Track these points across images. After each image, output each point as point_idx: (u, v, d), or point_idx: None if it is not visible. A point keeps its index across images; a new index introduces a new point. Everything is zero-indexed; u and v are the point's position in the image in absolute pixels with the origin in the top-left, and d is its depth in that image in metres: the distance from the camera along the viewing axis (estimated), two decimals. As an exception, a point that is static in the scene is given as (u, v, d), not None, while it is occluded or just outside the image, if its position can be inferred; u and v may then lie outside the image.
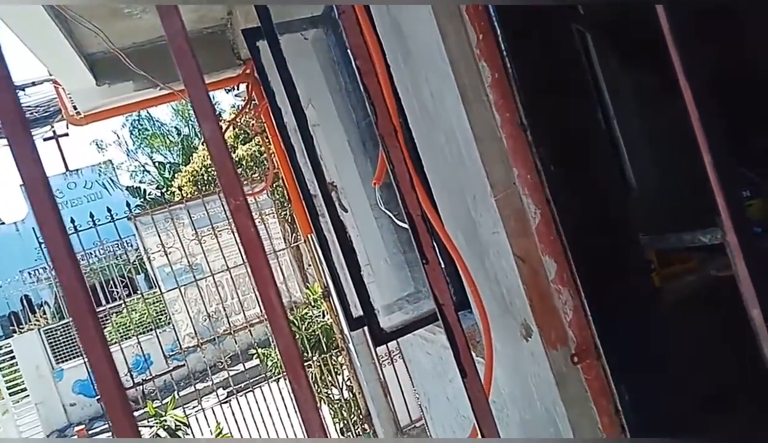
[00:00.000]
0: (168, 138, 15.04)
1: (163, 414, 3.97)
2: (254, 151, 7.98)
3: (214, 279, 4.33)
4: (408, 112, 1.70)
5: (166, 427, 4.01)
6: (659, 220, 2.28)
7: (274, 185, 5.32)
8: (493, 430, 0.76)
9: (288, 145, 2.23)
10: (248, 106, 4.15)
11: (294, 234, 7.19)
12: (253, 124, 4.22)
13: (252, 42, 2.04)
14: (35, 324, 12.31)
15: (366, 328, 1.98)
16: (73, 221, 3.88)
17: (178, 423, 4.14)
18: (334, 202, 1.88)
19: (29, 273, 15.93)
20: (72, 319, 0.37)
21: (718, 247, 1.67)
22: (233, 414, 4.77)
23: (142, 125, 15.97)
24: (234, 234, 4.58)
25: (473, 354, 1.79)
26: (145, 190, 13.83)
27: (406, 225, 1.90)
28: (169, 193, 11.01)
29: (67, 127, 3.94)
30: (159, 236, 3.97)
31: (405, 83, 1.63)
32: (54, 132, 13.74)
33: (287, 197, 5.17)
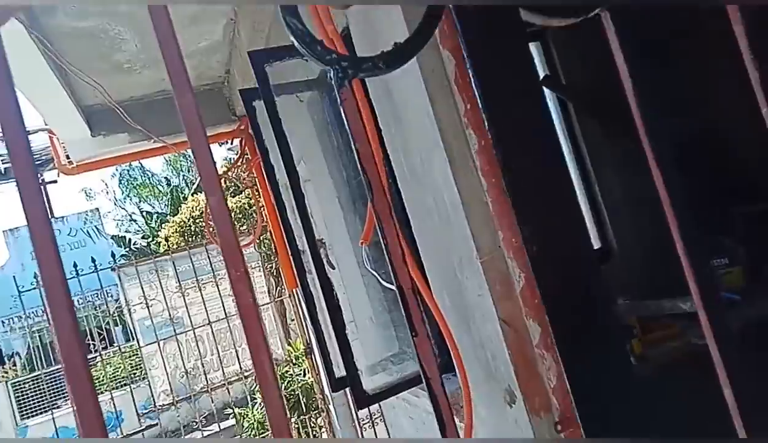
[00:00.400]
0: (157, 188, 15.07)
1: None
2: (243, 203, 8.02)
3: (194, 333, 4.24)
4: (398, 174, 1.75)
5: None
6: (640, 286, 2.32)
7: (261, 238, 5.32)
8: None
9: (279, 200, 2.26)
10: (241, 160, 4.21)
11: (278, 288, 7.12)
12: (244, 178, 4.27)
13: (249, 101, 2.11)
14: (3, 377, 11.80)
15: (348, 389, 1.95)
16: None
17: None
18: (322, 259, 1.89)
19: (2, 322, 15.45)
20: (64, 370, 0.38)
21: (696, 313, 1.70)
22: (206, 477, 4.54)
23: (131, 174, 16.03)
24: (218, 288, 4.54)
25: (456, 421, 1.76)
26: (130, 240, 13.70)
27: (392, 287, 1.91)
28: (155, 243, 10.92)
29: (58, 175, 3.95)
30: (142, 288, 3.91)
31: (395, 146, 1.68)
32: (42, 179, 13.70)
33: (274, 250, 5.17)
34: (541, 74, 2.55)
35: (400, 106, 1.61)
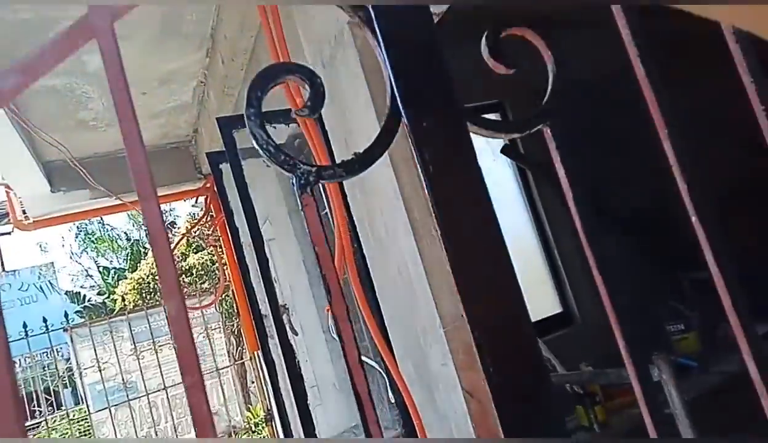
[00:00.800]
0: (116, 242, 14.65)
1: None
2: (205, 260, 7.86)
3: (148, 398, 4.03)
4: (362, 240, 1.76)
5: None
6: (602, 350, 2.34)
7: (224, 298, 5.20)
8: None
9: (242, 263, 2.23)
10: (205, 218, 4.16)
11: (239, 348, 6.90)
12: (208, 236, 4.21)
13: (215, 164, 2.12)
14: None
15: (310, 462, 1.88)
16: (25, 326, 3.60)
17: None
18: (285, 325, 1.86)
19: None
20: None
21: (656, 383, 1.72)
22: None
23: (89, 228, 15.57)
24: (175, 351, 4.33)
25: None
26: (84, 296, 13.14)
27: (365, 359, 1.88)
28: (110, 299, 10.51)
29: (12, 231, 3.82)
30: (95, 350, 3.73)
31: (361, 213, 1.71)
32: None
33: (236, 310, 5.04)
34: (502, 143, 2.66)
35: (366, 176, 1.64)
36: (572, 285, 2.78)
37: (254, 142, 0.42)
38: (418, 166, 0.43)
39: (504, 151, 2.74)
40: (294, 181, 0.42)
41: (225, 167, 2.10)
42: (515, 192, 2.88)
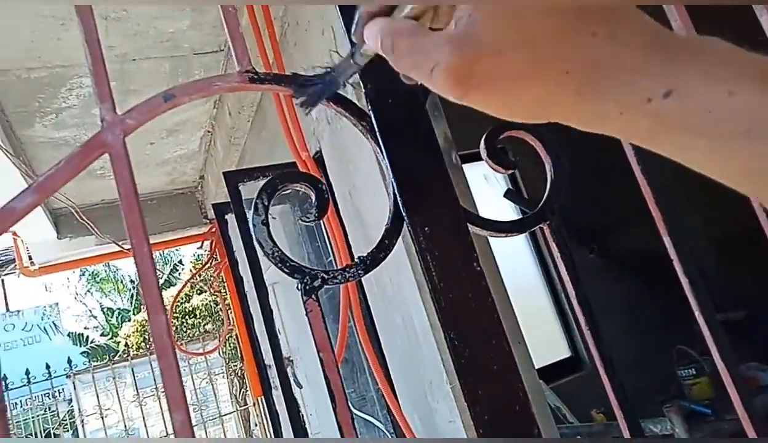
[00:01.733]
0: (120, 283, 14.66)
1: None
2: (209, 301, 7.83)
3: (151, 446, 3.96)
4: (368, 292, 1.76)
5: None
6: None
7: (228, 341, 5.16)
8: None
9: (247, 312, 2.23)
10: (210, 262, 4.17)
11: (242, 390, 6.79)
12: (212, 282, 4.21)
13: (221, 214, 2.14)
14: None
15: None
16: (5, 379, 3.58)
17: None
18: (290, 378, 1.84)
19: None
20: None
21: (670, 435, 1.68)
22: None
23: (94, 269, 15.60)
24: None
25: None
26: (88, 337, 13.07)
27: (360, 414, 1.85)
28: (114, 341, 10.44)
29: (18, 277, 3.84)
30: (98, 397, 3.69)
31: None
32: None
33: (239, 354, 5.00)
34: (504, 188, 2.68)
35: (369, 224, 1.66)
36: (580, 328, 2.75)
37: (260, 250, 0.43)
38: (422, 268, 0.44)
39: (507, 195, 2.76)
40: (300, 287, 0.43)
41: (230, 217, 2.12)
42: (521, 238, 2.88)
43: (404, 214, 0.43)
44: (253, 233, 0.43)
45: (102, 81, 0.44)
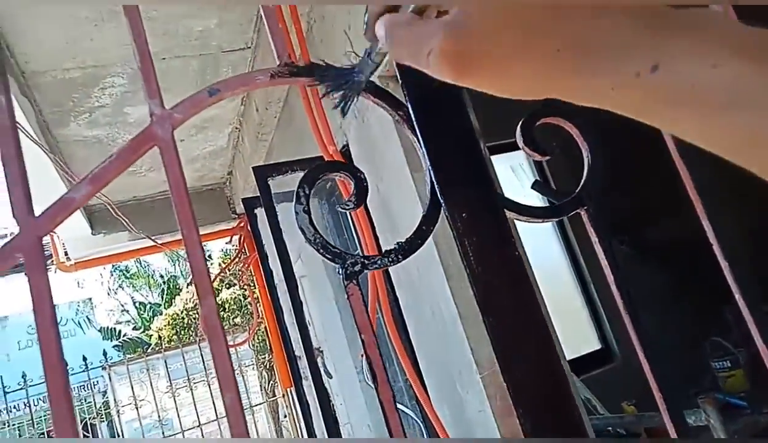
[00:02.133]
0: (151, 278, 14.99)
1: None
2: (238, 295, 7.95)
3: (183, 435, 4.07)
4: (396, 284, 1.78)
5: None
6: (646, 390, 2.28)
7: (257, 334, 5.25)
8: None
9: (276, 305, 2.26)
10: (239, 257, 4.24)
11: (272, 382, 6.90)
12: (241, 275, 4.28)
13: (250, 208, 2.17)
14: (-24, 478, 11.08)
15: (346, 507, 1.86)
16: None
17: None
18: (320, 368, 1.87)
19: (-20, 417, 14.75)
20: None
21: (704, 427, 1.66)
22: None
23: (125, 265, 15.98)
24: (210, 388, 4.41)
25: None
26: (120, 331, 13.42)
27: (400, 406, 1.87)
28: (146, 334, 10.70)
29: (55, 272, 3.96)
30: (132, 388, 3.80)
31: (393, 257, 1.72)
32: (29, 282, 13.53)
33: (269, 346, 5.08)
34: (532, 179, 2.66)
35: (396, 216, 1.67)
36: (611, 320, 2.71)
37: (303, 236, 0.45)
38: (459, 253, 0.45)
39: (535, 186, 2.75)
40: (340, 271, 0.44)
41: (259, 211, 2.16)
42: (549, 226, 2.86)
43: (441, 200, 0.44)
44: (296, 221, 0.44)
45: (150, 78, 0.46)
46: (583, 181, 0.49)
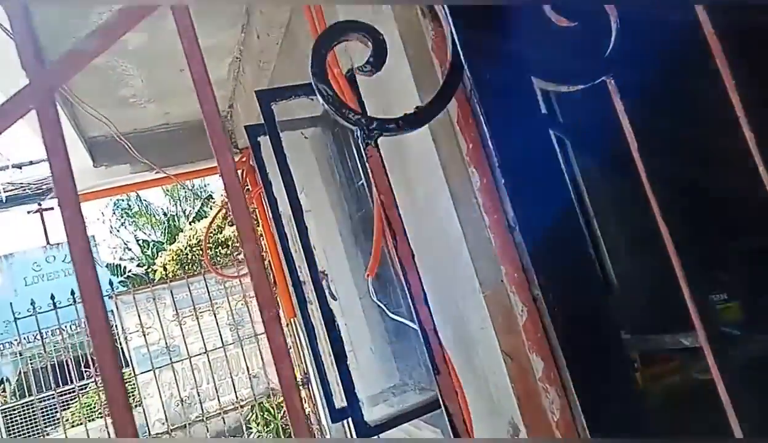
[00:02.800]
0: (153, 217, 15.08)
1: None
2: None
3: (190, 362, 4.22)
4: (401, 207, 1.79)
5: None
6: (641, 320, 2.35)
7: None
8: None
9: (281, 232, 2.29)
10: (242, 191, 4.25)
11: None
12: (244, 209, 4.30)
13: (254, 137, 2.16)
14: (-8, 404, 11.60)
15: (349, 420, 1.95)
16: (53, 298, 3.82)
17: None
18: (324, 290, 1.92)
19: (-8, 349, 15.23)
20: (95, 353, 0.42)
21: (701, 349, 1.72)
22: (199, 511, 4.47)
23: (127, 203, 16.04)
24: (215, 317, 4.53)
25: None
26: (125, 268, 13.64)
27: (398, 318, 1.93)
28: (151, 270, 10.87)
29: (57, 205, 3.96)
30: (139, 316, 3.90)
31: (398, 180, 1.73)
32: (39, 205, 13.68)
33: (272, 280, 5.17)
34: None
35: (404, 143, 1.66)
36: (610, 254, 2.75)
37: (320, 97, 0.45)
38: (482, 119, 0.45)
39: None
40: (358, 134, 0.44)
41: (263, 140, 2.14)
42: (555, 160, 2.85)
43: (463, 62, 0.44)
44: (312, 82, 0.45)
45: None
46: (611, 45, 0.48)
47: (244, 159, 3.82)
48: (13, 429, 11.15)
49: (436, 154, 1.45)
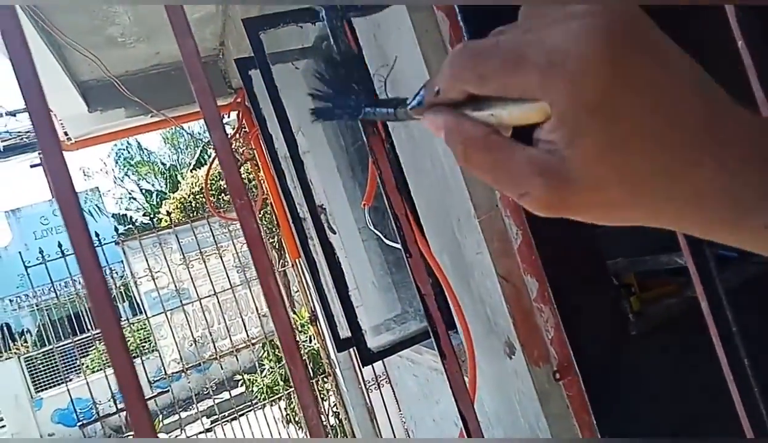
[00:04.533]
0: (155, 166, 15.05)
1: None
2: (243, 178, 8.01)
3: (201, 304, 4.32)
4: (395, 138, 1.77)
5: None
6: (638, 243, 2.36)
7: (263, 212, 5.36)
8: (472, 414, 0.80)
9: (278, 170, 2.29)
10: (238, 134, 4.21)
11: (282, 261, 7.20)
12: (243, 151, 4.28)
13: (245, 70, 2.11)
14: (15, 352, 12.04)
15: (354, 349, 2.01)
16: (60, 245, 3.87)
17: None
18: (323, 224, 1.93)
19: (10, 301, 15.64)
20: (98, 326, 0.42)
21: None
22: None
23: (129, 153, 15.98)
24: (221, 260, 4.60)
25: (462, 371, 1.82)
26: (131, 217, 13.76)
27: (394, 245, 1.95)
28: (156, 219, 10.97)
29: (57, 153, 3.95)
30: (146, 261, 3.96)
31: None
32: (41, 158, 13.63)
33: (276, 223, 5.21)
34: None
35: (396, 67, 1.62)
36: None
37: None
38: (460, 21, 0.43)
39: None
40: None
41: (255, 74, 2.10)
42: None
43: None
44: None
45: None
46: None
47: (239, 99, 3.75)
48: (36, 377, 11.64)
49: (427, 77, 1.42)
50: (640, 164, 0.27)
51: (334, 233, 2.20)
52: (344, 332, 2.12)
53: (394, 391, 3.03)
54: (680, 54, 0.28)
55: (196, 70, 0.45)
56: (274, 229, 6.74)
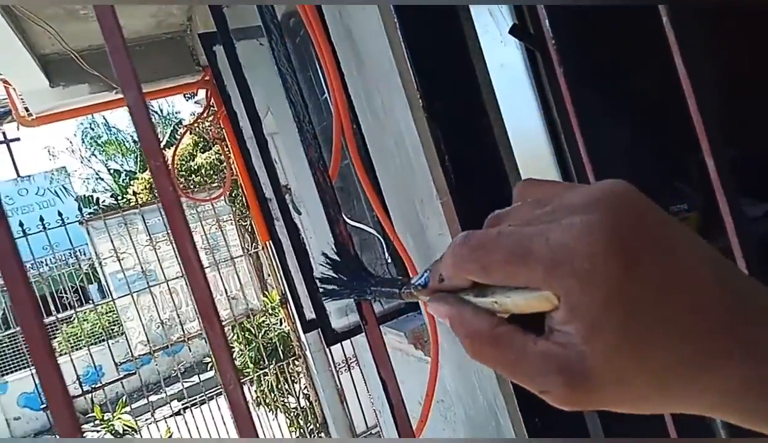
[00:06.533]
0: (123, 145, 14.68)
1: (111, 418, 3.88)
2: (213, 159, 7.89)
3: (168, 285, 4.27)
4: (361, 119, 1.76)
5: (113, 431, 3.89)
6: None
7: (234, 194, 5.30)
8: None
9: (244, 149, 2.26)
10: (207, 113, 4.13)
11: (253, 243, 7.14)
12: (212, 131, 4.20)
13: (209, 46, 2.07)
14: (-23, 337, 11.74)
15: (319, 330, 2.01)
16: (22, 225, 3.75)
17: (126, 428, 4.02)
18: (288, 204, 1.92)
19: (-28, 283, 15.18)
20: (20, 326, 0.41)
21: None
22: (187, 425, 4.69)
23: (95, 132, 15.54)
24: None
25: (422, 355, 1.85)
26: (98, 199, 13.44)
27: (359, 225, 1.95)
28: (124, 200, 10.74)
29: (18, 129, 3.84)
30: (111, 241, 3.88)
31: (358, 90, 1.69)
32: (5, 136, 13.18)
33: (246, 205, 5.15)
34: (509, 24, 2.54)
35: (361, 48, 1.61)
36: (576, 168, 2.78)
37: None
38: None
39: (512, 31, 2.63)
40: None
41: (219, 49, 2.05)
42: (523, 75, 2.79)
43: None
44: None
45: None
46: None
47: (207, 77, 3.68)
48: (1, 361, 11.38)
49: (392, 59, 1.41)
50: (664, 356, 0.26)
51: (300, 214, 2.19)
52: (310, 313, 2.12)
53: (362, 372, 3.06)
54: (684, 233, 0.27)
55: (107, 18, 0.43)
56: (245, 212, 6.68)
